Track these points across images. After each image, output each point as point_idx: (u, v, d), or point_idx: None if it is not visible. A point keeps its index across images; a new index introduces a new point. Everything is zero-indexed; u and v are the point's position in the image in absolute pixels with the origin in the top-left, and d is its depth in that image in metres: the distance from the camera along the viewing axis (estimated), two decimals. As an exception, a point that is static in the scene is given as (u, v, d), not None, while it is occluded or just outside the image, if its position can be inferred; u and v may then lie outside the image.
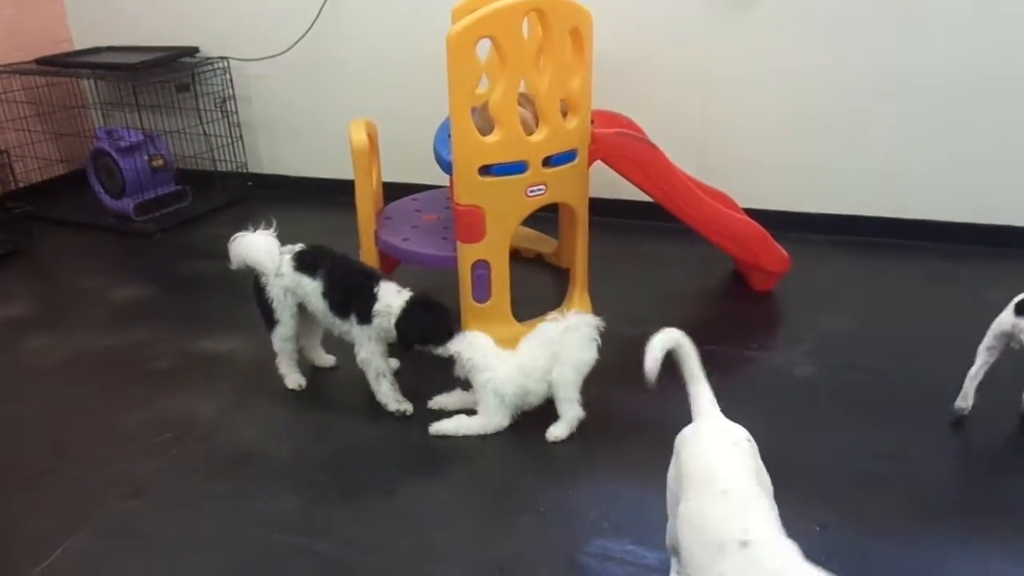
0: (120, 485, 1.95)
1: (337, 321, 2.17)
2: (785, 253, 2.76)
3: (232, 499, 1.90)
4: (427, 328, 2.11)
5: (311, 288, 2.17)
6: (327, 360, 2.41)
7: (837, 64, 3.03)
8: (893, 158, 3.10)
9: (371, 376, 2.19)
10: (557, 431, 2.09)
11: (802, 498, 1.83)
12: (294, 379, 2.32)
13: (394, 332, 2.10)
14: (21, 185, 3.59)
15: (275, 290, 2.20)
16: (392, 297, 2.11)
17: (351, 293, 2.13)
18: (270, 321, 2.25)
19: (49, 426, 2.22)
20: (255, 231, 2.22)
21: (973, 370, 2.04)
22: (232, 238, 2.21)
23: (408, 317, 2.09)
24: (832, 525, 1.75)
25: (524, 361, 2.11)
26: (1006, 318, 1.97)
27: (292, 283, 2.18)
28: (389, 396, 2.19)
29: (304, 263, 2.19)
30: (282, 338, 2.27)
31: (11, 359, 2.56)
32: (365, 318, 2.11)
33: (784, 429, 2.10)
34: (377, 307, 2.10)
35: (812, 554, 1.65)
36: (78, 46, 4.05)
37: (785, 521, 1.74)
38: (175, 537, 1.79)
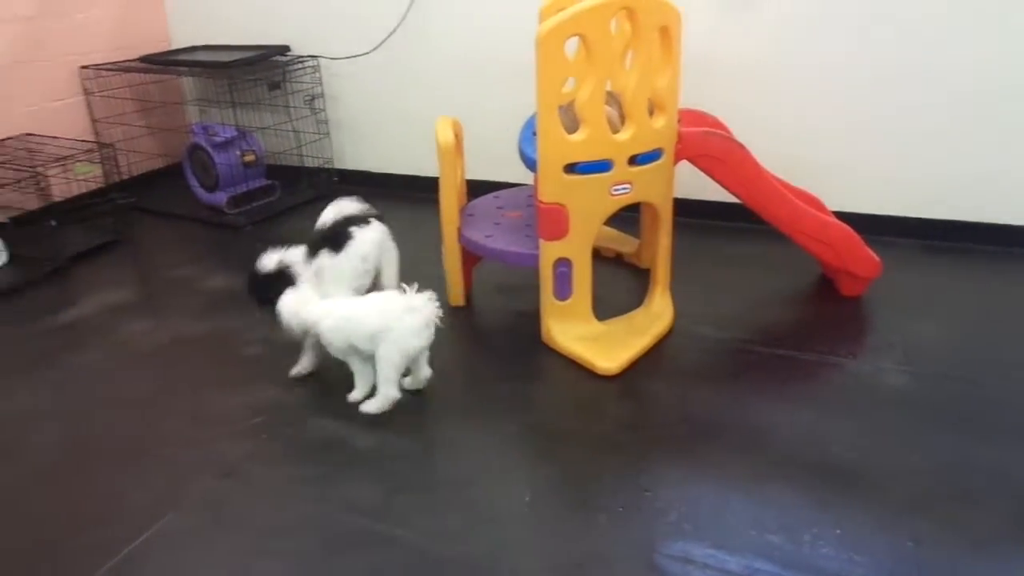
0: (214, 466, 2.03)
1: None
2: (876, 257, 2.68)
3: (318, 484, 1.95)
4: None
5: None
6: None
7: (935, 61, 2.92)
8: (992, 159, 2.96)
9: None
10: (368, 406, 2.20)
11: (894, 512, 1.78)
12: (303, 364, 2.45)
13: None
14: (124, 177, 3.77)
15: None
16: None
17: None
18: None
19: (148, 407, 2.32)
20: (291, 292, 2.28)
21: None
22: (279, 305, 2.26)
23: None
24: (926, 540, 1.69)
25: (351, 315, 2.17)
26: None
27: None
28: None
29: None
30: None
31: (114, 342, 2.70)
32: None
33: (874, 439, 2.03)
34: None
35: (905, 569, 1.61)
36: (176, 46, 4.23)
37: (877, 535, 1.70)
38: (264, 518, 1.85)
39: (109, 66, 3.87)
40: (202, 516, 1.87)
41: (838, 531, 1.72)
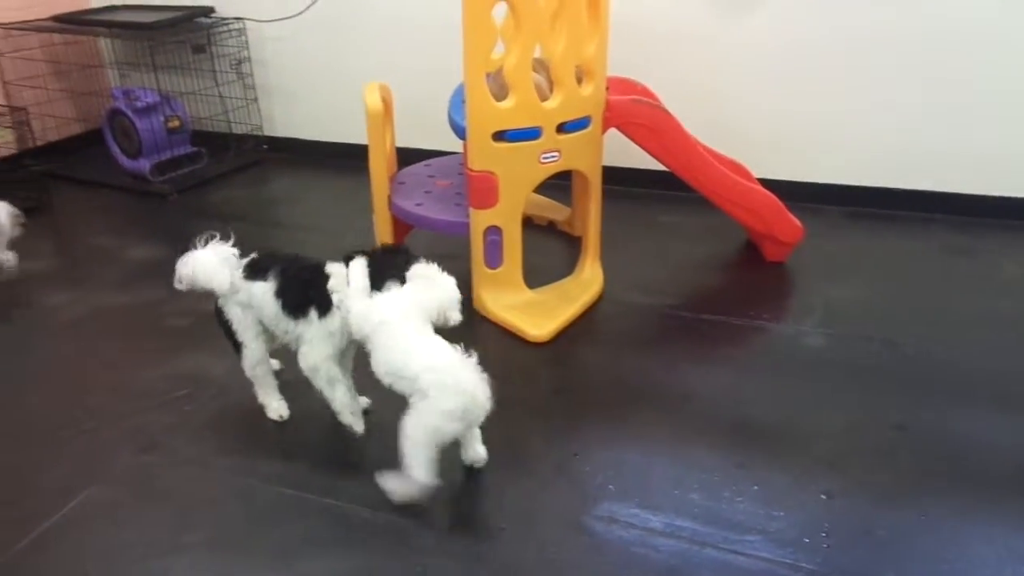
0: (135, 440, 1.99)
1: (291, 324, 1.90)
2: (799, 223, 2.75)
3: (243, 455, 1.93)
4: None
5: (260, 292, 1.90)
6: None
7: (855, 31, 2.98)
8: (909, 129, 3.06)
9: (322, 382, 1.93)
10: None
11: (809, 467, 1.85)
12: (275, 408, 2.07)
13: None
14: (39, 143, 3.61)
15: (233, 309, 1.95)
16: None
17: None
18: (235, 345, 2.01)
19: (67, 380, 2.26)
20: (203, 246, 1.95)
21: None
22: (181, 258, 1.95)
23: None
24: (837, 493, 1.76)
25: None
26: None
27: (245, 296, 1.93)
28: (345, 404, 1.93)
29: (254, 270, 1.93)
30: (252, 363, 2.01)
31: (32, 314, 2.60)
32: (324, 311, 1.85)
33: (792, 398, 2.11)
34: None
35: (816, 521, 1.69)
36: (94, 4, 4.04)
37: (792, 491, 1.77)
38: (188, 490, 1.83)
39: (18, 25, 3.67)
40: (124, 490, 1.83)
41: (755, 488, 1.79)
